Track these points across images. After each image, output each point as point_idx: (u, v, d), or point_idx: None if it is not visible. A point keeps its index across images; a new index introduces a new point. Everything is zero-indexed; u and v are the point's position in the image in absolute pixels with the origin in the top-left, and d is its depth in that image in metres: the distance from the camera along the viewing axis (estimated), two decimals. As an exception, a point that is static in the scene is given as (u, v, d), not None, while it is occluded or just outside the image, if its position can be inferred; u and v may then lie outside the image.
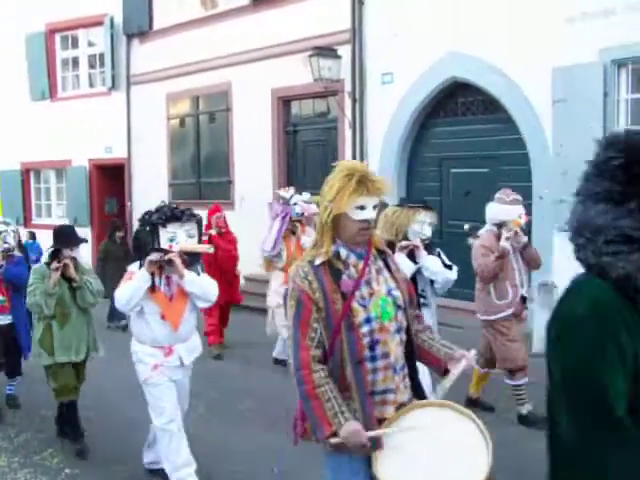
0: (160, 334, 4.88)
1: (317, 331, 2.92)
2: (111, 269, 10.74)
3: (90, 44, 17.37)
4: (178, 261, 4.72)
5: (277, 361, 8.71)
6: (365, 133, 11.66)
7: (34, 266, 6.28)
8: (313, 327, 2.91)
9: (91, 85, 17.50)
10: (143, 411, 5.19)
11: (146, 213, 4.94)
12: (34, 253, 14.79)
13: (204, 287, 4.93)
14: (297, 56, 11.98)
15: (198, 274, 4.94)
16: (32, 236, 15.22)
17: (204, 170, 14.90)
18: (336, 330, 2.90)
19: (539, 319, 8.11)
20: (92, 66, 17.42)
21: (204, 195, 14.66)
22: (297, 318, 2.94)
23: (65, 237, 6.05)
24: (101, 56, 16.92)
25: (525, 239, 6.37)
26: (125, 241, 11.82)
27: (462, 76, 10.28)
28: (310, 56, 11.29)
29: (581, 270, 2.06)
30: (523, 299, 6.47)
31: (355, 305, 2.92)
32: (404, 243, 5.50)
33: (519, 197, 6.52)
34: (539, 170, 9.44)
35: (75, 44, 17.52)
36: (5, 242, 6.78)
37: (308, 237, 7.98)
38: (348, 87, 11.73)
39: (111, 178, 17.09)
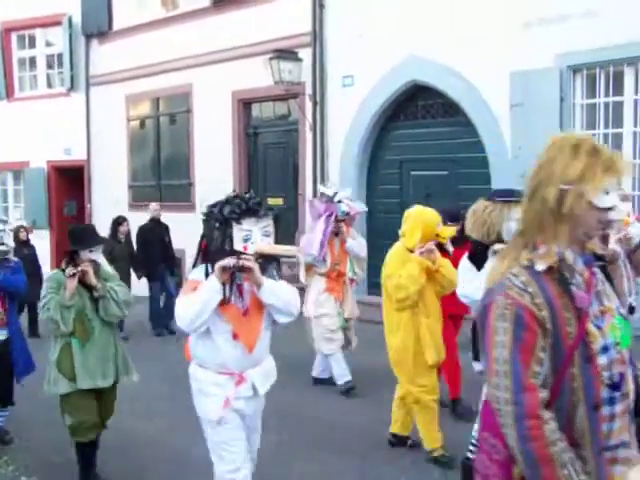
0: (230, 358, 3.87)
1: (543, 364, 2.14)
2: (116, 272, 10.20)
3: (48, 44, 17.09)
4: (256, 267, 3.74)
5: (318, 381, 7.73)
6: (326, 136, 11.68)
7: (49, 273, 5.28)
8: (539, 358, 2.13)
9: (49, 85, 17.22)
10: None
11: (213, 205, 3.92)
12: None
13: (285, 297, 3.91)
14: (258, 59, 11.96)
15: (275, 280, 3.97)
16: None
17: (164, 172, 14.78)
18: (567, 362, 2.14)
19: None
20: (50, 66, 17.15)
21: (164, 197, 14.53)
22: (516, 345, 2.13)
23: (82, 237, 5.09)
24: (59, 56, 16.67)
25: (637, 240, 5.49)
26: (129, 239, 11.06)
27: (422, 79, 10.36)
28: (271, 59, 11.29)
29: None
30: (631, 309, 5.74)
31: (591, 328, 2.18)
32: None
33: (626, 192, 5.49)
34: (498, 173, 9.54)
35: (32, 44, 17.21)
36: (1, 243, 5.88)
37: (353, 239, 7.43)
38: (309, 90, 11.74)
39: (70, 180, 16.85)
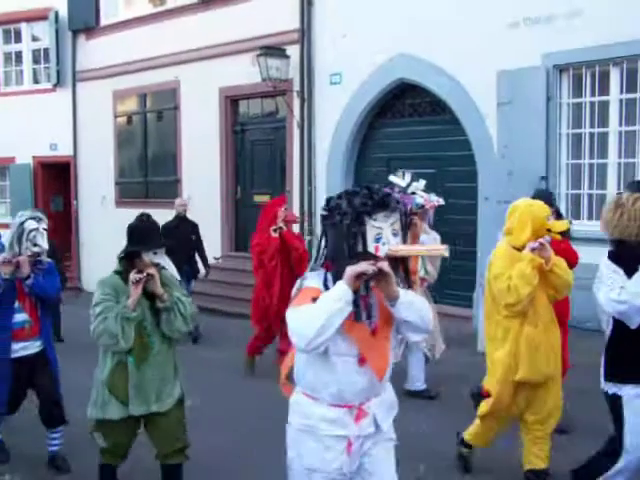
0: (352, 387, 3.08)
1: None
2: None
3: (34, 38, 17.01)
4: (391, 273, 2.96)
5: (412, 393, 6.92)
6: (313, 133, 11.69)
7: (100, 278, 4.40)
8: None
9: (35, 81, 17.13)
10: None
11: (339, 197, 3.13)
12: None
13: (421, 311, 3.13)
14: (246, 55, 11.96)
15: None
16: None
17: (151, 169, 14.74)
18: None
19: None
20: (36, 61, 17.07)
21: (151, 194, 14.52)
22: None
23: (145, 236, 4.31)
24: (46, 51, 16.59)
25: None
26: None
27: (410, 78, 10.38)
28: (258, 55, 11.27)
29: None
30: None
31: None
32: None
33: None
34: (484, 171, 9.58)
35: (18, 38, 17.12)
36: (35, 244, 5.15)
37: (426, 235, 6.82)
38: (296, 87, 11.74)
39: (56, 176, 16.79)
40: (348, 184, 11.38)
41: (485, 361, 4.93)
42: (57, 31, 15.93)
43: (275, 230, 7.61)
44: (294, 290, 3.17)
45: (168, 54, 13.58)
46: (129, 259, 4.27)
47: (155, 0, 14.45)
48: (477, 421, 4.99)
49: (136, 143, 15.00)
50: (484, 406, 4.86)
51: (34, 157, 16.69)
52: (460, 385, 6.61)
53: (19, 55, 17.27)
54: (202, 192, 12.99)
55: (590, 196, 8.95)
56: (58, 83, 16.19)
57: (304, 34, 11.55)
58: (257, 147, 13.01)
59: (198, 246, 10.35)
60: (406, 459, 3.79)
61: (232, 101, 13.14)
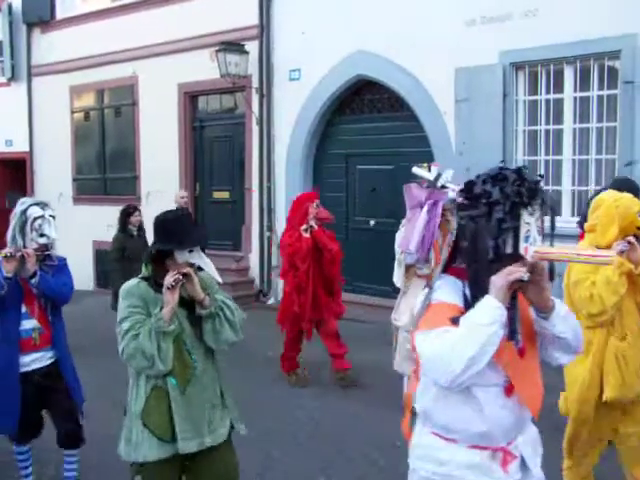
0: (497, 424, 2.53)
1: None
2: (127, 272, 7.49)
3: (-13, 32, 16.71)
4: (547, 276, 2.42)
5: None
6: (272, 129, 11.67)
7: (124, 286, 3.44)
8: None
9: (-11, 75, 16.85)
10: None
11: (484, 181, 2.46)
12: None
13: (577, 326, 2.62)
14: (204, 51, 11.90)
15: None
16: None
17: (110, 165, 14.57)
18: None
19: None
20: (-10, 55, 16.78)
21: (110, 190, 14.36)
22: None
23: (179, 231, 3.37)
24: (-1, 45, 16.32)
25: None
26: (143, 231, 8.91)
27: (368, 74, 10.42)
28: (217, 51, 11.21)
29: None
30: None
31: None
32: None
33: None
34: (443, 167, 9.63)
35: (-29, 31, 16.82)
36: (42, 234, 4.43)
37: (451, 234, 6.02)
38: (255, 83, 11.71)
39: (12, 172, 16.52)
40: (307, 180, 11.40)
41: (560, 377, 4.22)
42: (10, 24, 15.66)
43: (306, 229, 7.01)
44: (418, 304, 2.61)
45: (126, 49, 13.42)
46: (158, 261, 3.41)
47: (112, -6, 14.30)
48: (565, 462, 4.29)
49: (94, 139, 14.81)
50: (565, 440, 4.23)
51: (-12, 153, 16.40)
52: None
53: (-28, 49, 16.95)
54: (160, 188, 12.88)
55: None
56: (12, 77, 15.92)
57: (263, 30, 11.52)
58: (216, 143, 12.94)
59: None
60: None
61: (191, 97, 13.05)
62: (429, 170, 5.69)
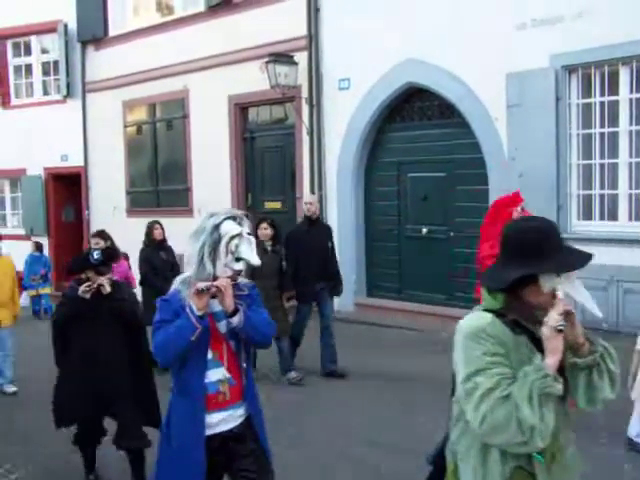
0: None
1: None
2: (154, 289, 7.77)
3: (43, 51, 17.15)
4: None
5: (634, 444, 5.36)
6: (323, 139, 11.70)
7: (466, 324, 2.45)
8: None
9: (45, 93, 17.24)
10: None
11: None
12: (42, 267, 14.01)
13: None
14: (254, 63, 11.96)
15: None
16: (38, 247, 14.45)
17: (162, 178, 14.78)
18: None
19: None
20: (46, 73, 17.18)
21: (162, 203, 14.56)
22: None
23: (546, 248, 2.39)
24: (55, 63, 16.70)
25: None
26: (167, 245, 9.07)
27: (418, 82, 10.38)
28: (267, 62, 11.28)
29: None
30: None
31: None
32: None
33: None
34: (495, 174, 9.54)
35: (28, 51, 17.26)
36: (238, 259, 3.40)
37: None
38: (305, 93, 11.76)
39: (68, 186, 16.88)
40: (359, 189, 11.40)
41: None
42: (66, 43, 16.04)
43: None
44: None
45: (176, 63, 13.63)
46: (511, 290, 2.40)
47: (163, 9, 14.53)
48: None
49: (146, 152, 15.05)
50: None
51: (45, 168, 16.78)
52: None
53: (29, 67, 17.41)
54: (213, 200, 12.98)
55: (601, 196, 8.90)
56: (68, 94, 16.28)
57: (312, 40, 11.57)
58: (267, 154, 13.02)
59: (331, 256, 8.20)
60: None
61: (241, 109, 13.16)
62: None
